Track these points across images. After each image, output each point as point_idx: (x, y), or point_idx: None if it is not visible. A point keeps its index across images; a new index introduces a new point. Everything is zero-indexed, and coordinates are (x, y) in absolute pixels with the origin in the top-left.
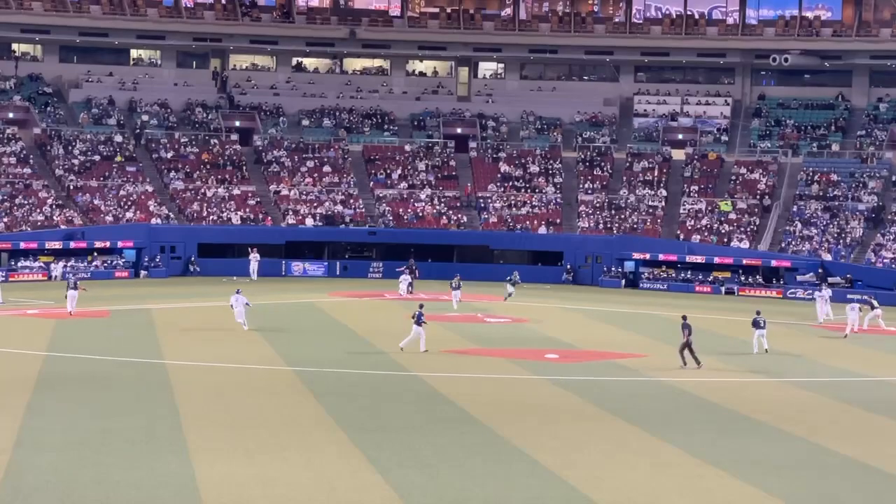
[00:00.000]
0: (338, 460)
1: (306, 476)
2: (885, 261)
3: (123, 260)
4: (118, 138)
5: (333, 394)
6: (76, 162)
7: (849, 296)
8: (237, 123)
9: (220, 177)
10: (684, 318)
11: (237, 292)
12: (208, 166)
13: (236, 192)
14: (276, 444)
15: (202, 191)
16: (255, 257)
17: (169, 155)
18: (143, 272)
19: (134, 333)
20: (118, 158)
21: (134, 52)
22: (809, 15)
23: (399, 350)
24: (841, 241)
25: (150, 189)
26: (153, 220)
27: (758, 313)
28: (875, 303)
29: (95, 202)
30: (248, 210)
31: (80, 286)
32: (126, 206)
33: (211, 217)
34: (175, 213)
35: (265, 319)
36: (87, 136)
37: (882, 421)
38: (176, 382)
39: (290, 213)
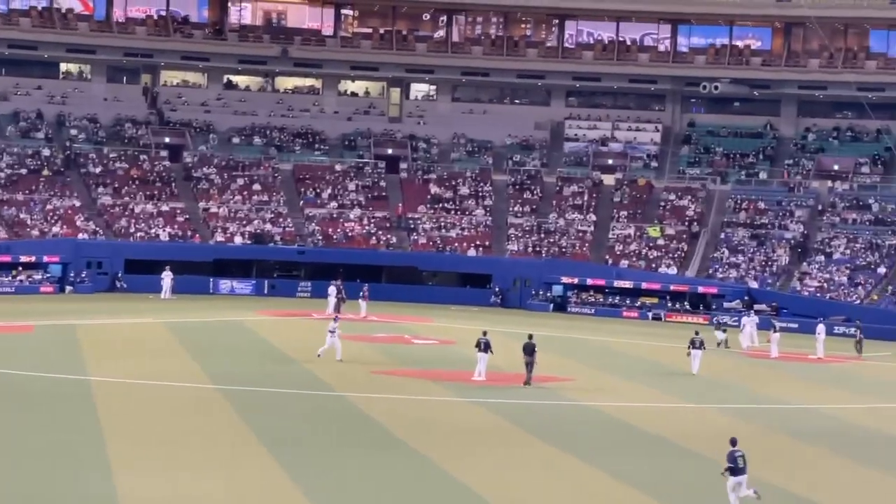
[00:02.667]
0: (261, 479)
1: (229, 494)
2: (810, 289)
3: (49, 275)
4: (46, 152)
5: (258, 412)
6: (2, 175)
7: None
8: (167, 140)
9: (148, 193)
10: (530, 336)
11: (335, 319)
12: (137, 182)
13: (165, 208)
14: (200, 461)
15: (130, 206)
16: (167, 275)
17: (97, 170)
18: (68, 287)
19: (58, 349)
20: (45, 172)
21: (63, 66)
22: (739, 44)
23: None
24: (767, 268)
25: (77, 204)
26: (80, 235)
27: (696, 333)
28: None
29: (21, 216)
30: (176, 227)
31: None
32: (53, 221)
33: (139, 233)
34: (102, 229)
35: (191, 337)
36: (15, 149)
37: (805, 448)
38: (99, 399)
39: (219, 230)
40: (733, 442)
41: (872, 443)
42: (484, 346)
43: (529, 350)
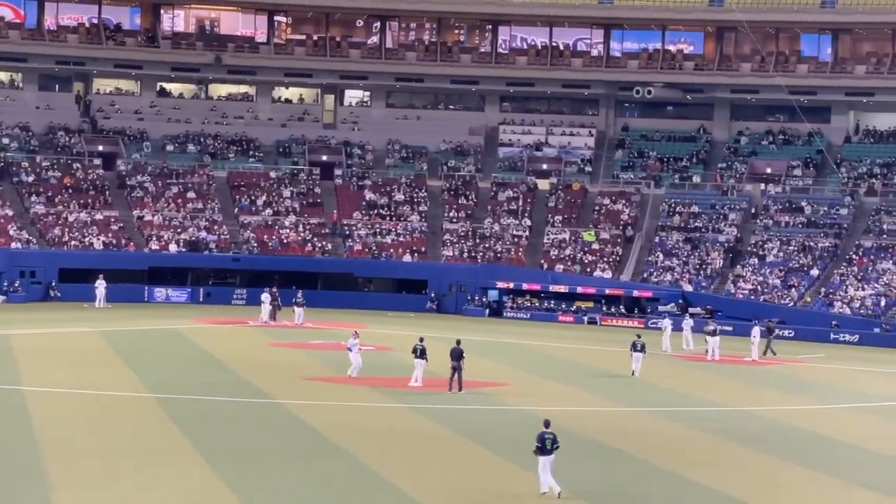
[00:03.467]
0: (200, 488)
1: None
2: (744, 292)
3: None
4: None
5: (196, 421)
6: None
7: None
8: (100, 148)
9: (82, 201)
10: (458, 342)
11: (355, 335)
12: (70, 190)
13: (99, 216)
14: (137, 472)
15: (64, 215)
16: (101, 283)
17: (30, 179)
18: (1, 297)
19: None
20: None
21: None
22: (672, 48)
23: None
24: (701, 272)
25: (10, 213)
26: (13, 245)
27: (638, 336)
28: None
29: None
30: (110, 235)
31: None
32: None
33: (73, 242)
34: (36, 238)
35: (127, 346)
36: None
37: (739, 450)
38: (34, 409)
39: (154, 238)
40: (546, 423)
41: (806, 444)
42: (420, 353)
43: (457, 355)
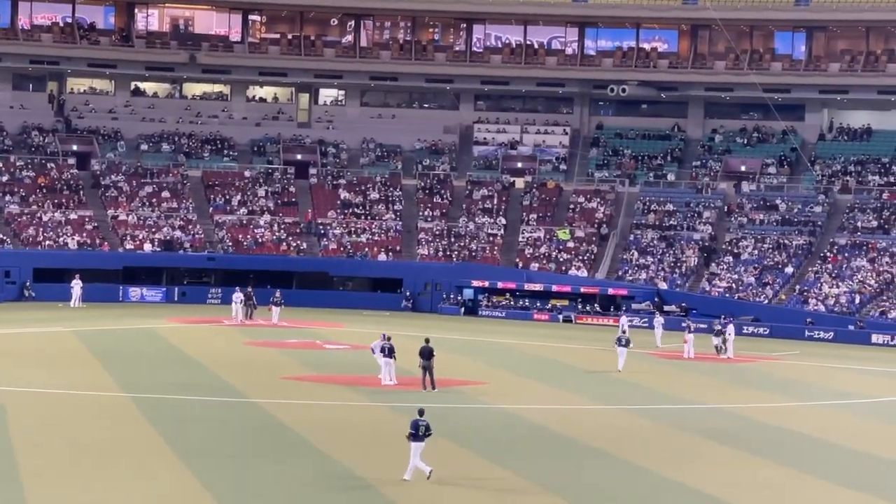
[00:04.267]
0: (174, 487)
1: None
2: (718, 290)
3: None
4: None
5: (170, 420)
6: None
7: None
8: (74, 147)
9: (56, 201)
10: (427, 340)
11: (383, 338)
12: (44, 190)
13: (73, 216)
14: (112, 471)
15: (38, 215)
16: (77, 283)
17: (4, 178)
18: None
19: None
20: None
21: None
22: (647, 47)
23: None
24: (677, 269)
25: None
26: None
27: (623, 332)
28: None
29: None
30: (85, 235)
31: None
32: None
33: (47, 242)
34: (10, 238)
35: (102, 346)
36: None
37: (713, 447)
38: (9, 408)
39: (128, 238)
40: (420, 412)
41: (784, 442)
42: (388, 352)
43: (427, 354)
